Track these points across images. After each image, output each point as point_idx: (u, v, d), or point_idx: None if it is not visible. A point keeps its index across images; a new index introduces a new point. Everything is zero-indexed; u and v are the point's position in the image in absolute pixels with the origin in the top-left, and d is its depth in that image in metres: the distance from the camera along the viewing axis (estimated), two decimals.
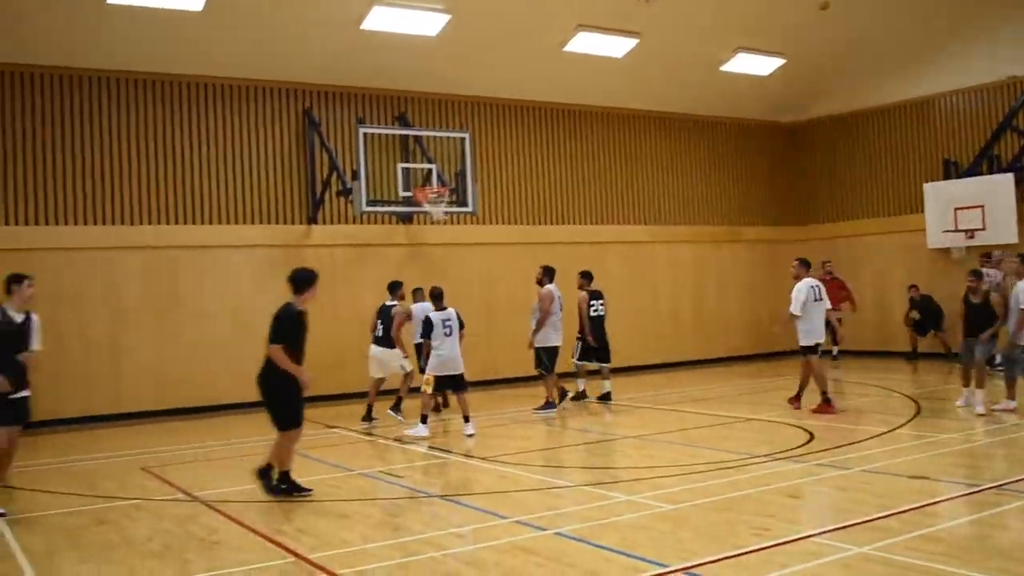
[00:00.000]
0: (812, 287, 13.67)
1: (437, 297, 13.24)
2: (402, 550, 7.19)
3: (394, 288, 14.75)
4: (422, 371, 13.39)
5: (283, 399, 9.11)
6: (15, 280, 9.05)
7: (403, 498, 9.15)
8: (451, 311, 13.08)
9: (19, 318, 8.98)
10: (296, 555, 7.04)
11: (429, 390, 12.97)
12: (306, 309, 9.30)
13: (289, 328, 9.06)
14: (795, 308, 13.58)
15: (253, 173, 17.52)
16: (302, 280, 9.32)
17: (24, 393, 9.00)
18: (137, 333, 16.24)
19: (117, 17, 14.93)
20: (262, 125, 17.67)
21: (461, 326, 13.23)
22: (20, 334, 8.93)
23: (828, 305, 13.91)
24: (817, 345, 13.82)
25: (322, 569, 6.65)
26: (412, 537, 7.63)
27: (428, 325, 12.91)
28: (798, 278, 13.81)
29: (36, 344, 9.08)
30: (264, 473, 9.23)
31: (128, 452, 12.71)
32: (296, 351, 9.07)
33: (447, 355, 12.91)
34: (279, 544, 7.41)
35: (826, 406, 13.36)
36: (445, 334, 12.91)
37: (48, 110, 15.90)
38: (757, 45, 20.24)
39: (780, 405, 14.06)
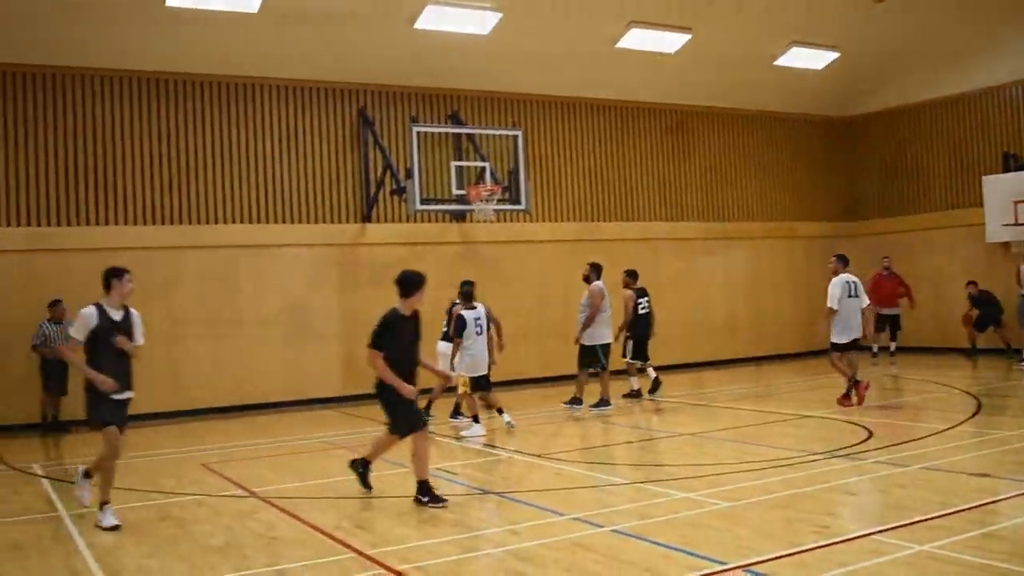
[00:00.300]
0: (847, 283, 13.70)
1: (467, 295, 13.21)
2: (460, 546, 7.23)
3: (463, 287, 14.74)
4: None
5: (390, 404, 8.84)
6: (115, 274, 8.58)
7: (460, 495, 9.17)
8: (481, 309, 13.06)
9: (118, 315, 8.52)
10: (355, 551, 7.10)
11: (468, 390, 12.97)
12: (416, 312, 8.98)
13: (387, 333, 8.70)
14: (832, 302, 13.59)
15: (308, 172, 17.70)
16: (408, 282, 8.92)
17: (128, 395, 8.59)
18: (195, 331, 16.46)
19: (176, 20, 15.13)
20: (317, 125, 17.83)
21: (490, 325, 13.22)
22: (123, 331, 8.49)
23: (864, 302, 13.88)
24: (852, 342, 13.76)
25: (381, 565, 6.69)
26: (469, 534, 7.67)
27: (461, 323, 12.84)
28: (836, 273, 13.83)
29: (139, 339, 8.67)
30: (357, 463, 9.18)
31: (187, 448, 12.89)
32: (401, 357, 8.72)
33: (478, 354, 12.89)
34: (338, 540, 7.48)
35: (856, 394, 13.61)
36: (476, 333, 12.88)
37: (108, 112, 16.18)
38: (811, 39, 20.05)
39: (834, 402, 13.89)
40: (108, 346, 8.34)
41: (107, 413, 8.36)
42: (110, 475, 8.50)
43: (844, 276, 13.76)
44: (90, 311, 8.36)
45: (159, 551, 7.45)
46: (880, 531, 6.94)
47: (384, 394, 8.80)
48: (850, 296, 13.66)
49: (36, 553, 7.56)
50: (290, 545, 7.46)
